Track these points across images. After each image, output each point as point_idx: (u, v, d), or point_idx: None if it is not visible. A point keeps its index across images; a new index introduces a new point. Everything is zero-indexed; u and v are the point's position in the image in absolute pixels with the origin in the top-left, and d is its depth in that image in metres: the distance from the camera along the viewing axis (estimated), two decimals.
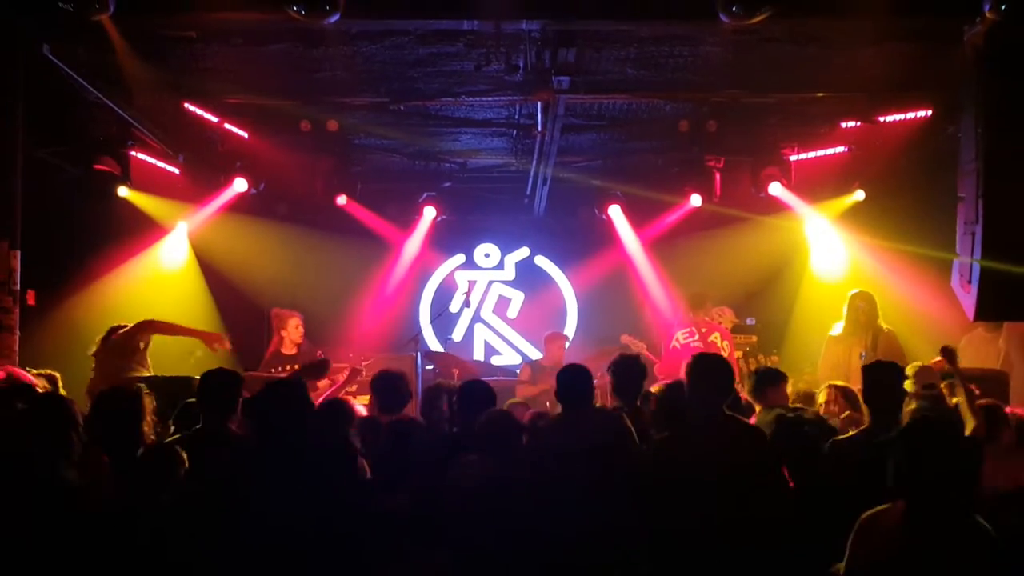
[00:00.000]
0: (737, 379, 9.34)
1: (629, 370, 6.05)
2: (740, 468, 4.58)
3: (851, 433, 5.26)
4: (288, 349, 9.77)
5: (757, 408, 6.26)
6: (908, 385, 6.11)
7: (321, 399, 7.11)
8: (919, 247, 9.28)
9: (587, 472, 4.89)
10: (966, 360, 8.21)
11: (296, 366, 9.10)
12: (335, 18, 6.60)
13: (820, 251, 11.52)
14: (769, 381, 6.44)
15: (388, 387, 6.23)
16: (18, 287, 7.42)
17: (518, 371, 10.71)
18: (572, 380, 5.51)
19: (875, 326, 8.69)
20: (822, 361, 8.83)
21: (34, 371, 6.61)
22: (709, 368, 4.95)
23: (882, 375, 5.31)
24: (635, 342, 10.00)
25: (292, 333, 9.54)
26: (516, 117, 10.35)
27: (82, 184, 9.79)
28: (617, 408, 5.92)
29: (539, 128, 10.06)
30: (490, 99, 9.70)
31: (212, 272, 11.59)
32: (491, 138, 11.16)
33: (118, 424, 4.93)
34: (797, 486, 4.83)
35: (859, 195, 10.83)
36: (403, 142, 11.15)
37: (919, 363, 6.83)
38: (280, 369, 9.37)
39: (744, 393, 6.50)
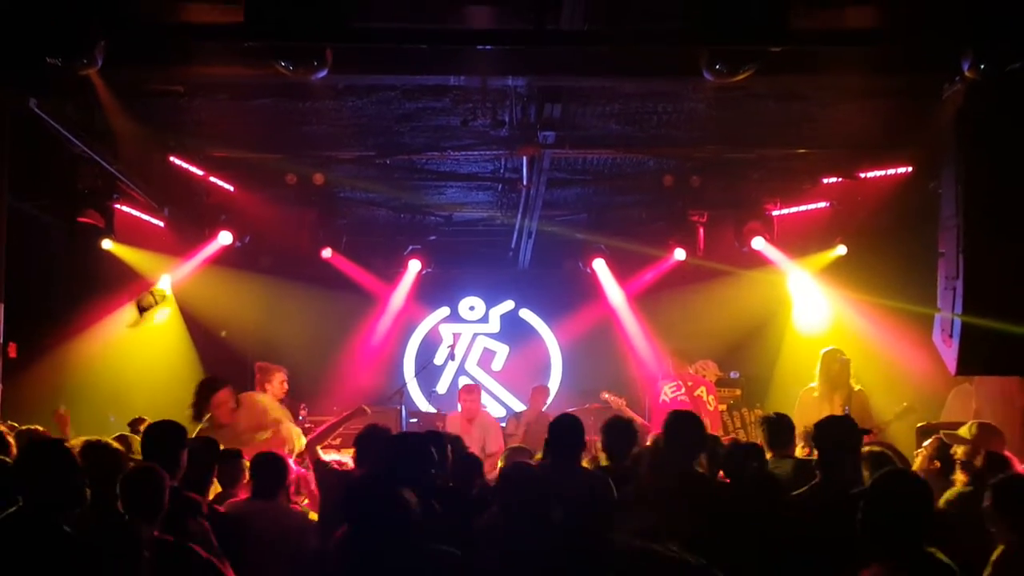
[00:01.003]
0: (721, 432, 9.36)
1: (621, 432, 6.01)
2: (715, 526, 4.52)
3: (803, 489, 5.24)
4: None
5: (769, 455, 6.17)
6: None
7: (319, 432, 7.06)
8: (901, 302, 9.32)
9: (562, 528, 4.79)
10: (952, 414, 8.25)
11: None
12: (323, 73, 6.63)
13: (803, 305, 11.56)
14: (787, 429, 6.42)
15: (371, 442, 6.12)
16: (1, 340, 7.35)
17: (503, 424, 10.66)
18: (566, 432, 5.48)
19: (846, 386, 8.74)
20: (796, 416, 8.82)
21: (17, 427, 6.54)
22: (681, 426, 4.96)
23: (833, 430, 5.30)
24: (615, 399, 9.99)
25: (276, 388, 9.44)
26: (502, 171, 10.41)
27: (66, 236, 9.75)
28: (605, 468, 5.86)
29: (524, 182, 10.12)
30: (476, 153, 9.77)
31: (196, 325, 11.53)
32: (476, 192, 11.22)
33: None
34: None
35: (841, 250, 10.91)
36: (389, 195, 11.20)
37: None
38: None
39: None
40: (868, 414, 8.52)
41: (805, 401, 8.87)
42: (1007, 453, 5.90)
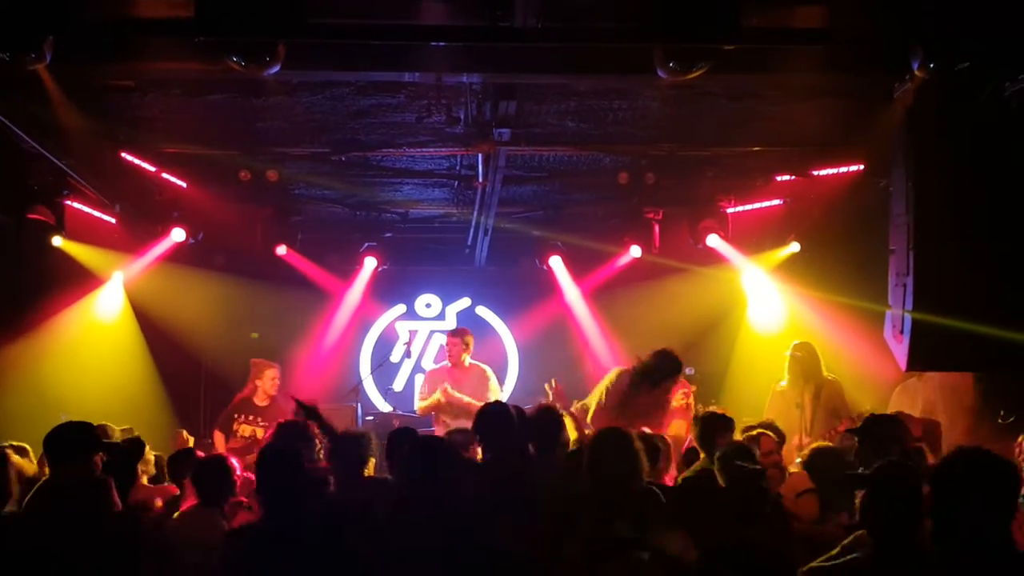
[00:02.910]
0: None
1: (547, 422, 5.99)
2: None
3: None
4: (260, 400, 9.57)
5: (701, 455, 6.24)
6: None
7: None
8: (853, 298, 9.44)
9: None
10: (900, 409, 8.37)
11: (260, 420, 8.97)
12: (275, 69, 6.56)
13: (757, 302, 11.68)
14: (720, 428, 6.40)
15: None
16: None
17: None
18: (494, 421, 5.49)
19: (818, 376, 8.81)
20: (766, 413, 8.91)
21: None
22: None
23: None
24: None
25: (267, 384, 9.40)
26: (457, 168, 10.39)
27: (16, 233, 9.61)
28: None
29: (480, 179, 10.11)
30: (431, 150, 9.73)
31: (148, 323, 11.40)
32: (432, 189, 11.18)
33: None
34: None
35: (794, 247, 11.03)
36: (344, 192, 11.13)
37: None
38: (247, 418, 9.19)
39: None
40: (843, 403, 8.60)
41: (774, 398, 8.93)
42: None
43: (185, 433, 8.48)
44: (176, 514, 5.57)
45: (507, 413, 5.85)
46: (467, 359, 9.81)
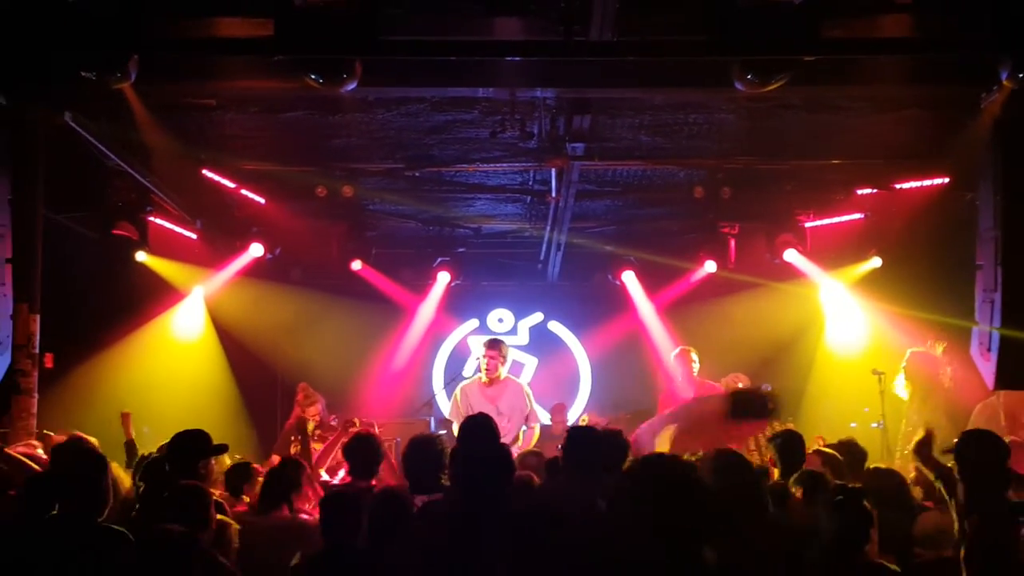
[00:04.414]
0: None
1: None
2: None
3: None
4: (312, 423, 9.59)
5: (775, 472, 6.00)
6: None
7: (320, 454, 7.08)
8: (937, 315, 9.20)
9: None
10: (979, 427, 7.99)
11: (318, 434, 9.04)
12: (352, 86, 6.64)
13: (836, 318, 11.44)
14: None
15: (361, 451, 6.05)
16: (37, 350, 7.44)
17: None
18: (582, 445, 5.29)
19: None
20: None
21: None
22: None
23: None
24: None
25: (311, 417, 9.44)
26: (530, 183, 10.39)
27: (101, 249, 9.85)
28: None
29: (553, 194, 10.09)
30: (504, 165, 9.76)
31: (228, 336, 11.59)
32: (505, 204, 11.20)
33: None
34: None
35: (876, 262, 10.79)
36: (418, 208, 11.21)
37: None
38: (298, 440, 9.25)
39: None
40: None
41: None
42: None
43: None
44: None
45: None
46: (503, 373, 9.05)
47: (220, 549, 4.69)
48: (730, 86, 6.61)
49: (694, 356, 9.51)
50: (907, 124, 8.42)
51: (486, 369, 8.93)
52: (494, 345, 9.10)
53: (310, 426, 9.31)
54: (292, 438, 9.27)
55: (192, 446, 5.31)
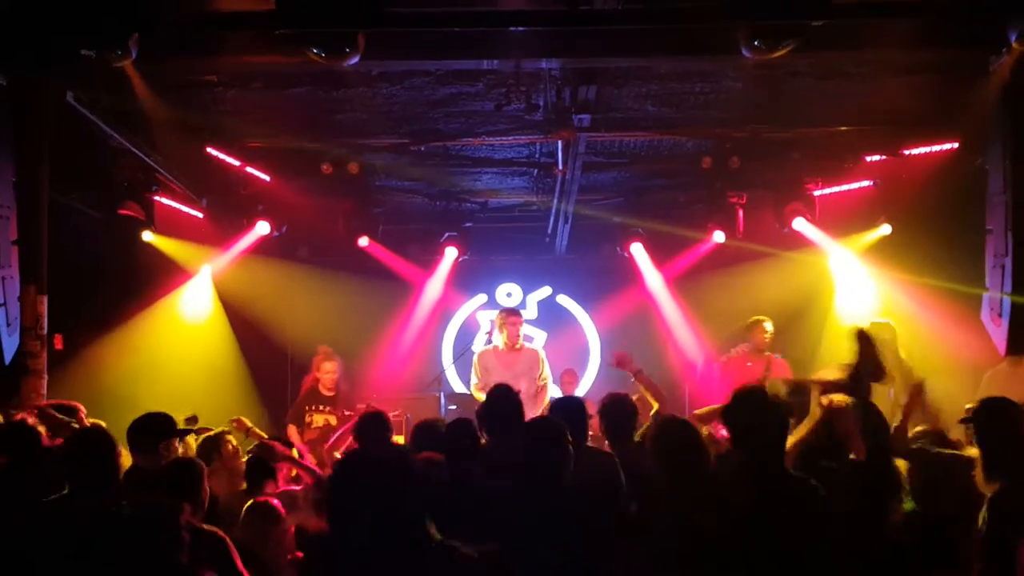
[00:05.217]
0: None
1: (619, 410, 5.82)
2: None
3: None
4: (325, 390, 9.59)
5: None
6: None
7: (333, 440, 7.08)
8: (947, 281, 9.14)
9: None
10: (991, 395, 7.91)
11: (330, 408, 9.05)
12: (355, 60, 6.59)
13: (846, 286, 11.39)
14: None
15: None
16: (45, 331, 7.42)
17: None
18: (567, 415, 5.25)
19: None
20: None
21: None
22: None
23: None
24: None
25: (324, 378, 9.45)
26: (537, 156, 10.34)
27: (108, 229, 9.84)
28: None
29: (560, 166, 10.05)
30: (511, 138, 9.71)
31: (236, 315, 11.59)
32: (512, 177, 11.16)
33: None
34: None
35: (885, 229, 10.72)
36: (424, 183, 11.18)
37: None
38: (318, 408, 9.26)
39: None
40: None
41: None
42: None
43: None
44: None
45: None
46: (522, 340, 9.61)
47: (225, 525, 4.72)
48: (737, 53, 6.54)
49: (767, 327, 9.51)
50: (916, 89, 8.34)
51: (512, 337, 9.34)
52: (517, 313, 9.66)
53: (322, 390, 9.37)
54: (306, 407, 9.31)
55: (153, 428, 5.29)
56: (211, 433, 6.29)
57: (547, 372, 9.38)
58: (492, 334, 11.70)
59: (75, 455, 4.33)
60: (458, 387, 12.08)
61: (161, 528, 4.10)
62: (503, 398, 5.47)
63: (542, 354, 9.56)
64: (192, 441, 6.42)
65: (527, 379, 9.03)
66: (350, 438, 7.01)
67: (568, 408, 5.51)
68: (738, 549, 3.94)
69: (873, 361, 5.29)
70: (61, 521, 4.10)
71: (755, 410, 4.19)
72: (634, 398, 6.10)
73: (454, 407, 10.74)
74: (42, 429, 5.73)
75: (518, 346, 9.44)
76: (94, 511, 4.12)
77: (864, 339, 5.32)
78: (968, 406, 5.74)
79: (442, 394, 10.72)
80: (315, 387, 9.44)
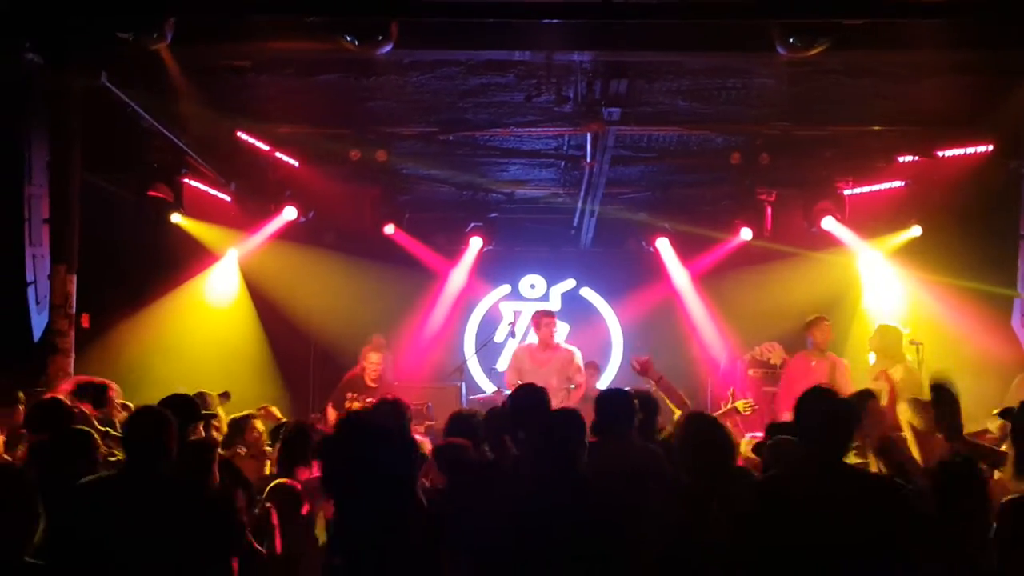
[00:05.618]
0: None
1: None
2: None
3: None
4: (369, 381, 9.61)
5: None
6: None
7: None
8: (978, 284, 9.06)
9: (625, 499, 4.63)
10: (1016, 401, 7.86)
11: (369, 400, 9.06)
12: (387, 48, 6.60)
13: (874, 288, 11.30)
14: None
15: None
16: (74, 311, 7.51)
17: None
18: (612, 407, 5.30)
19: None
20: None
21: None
22: None
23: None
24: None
25: (369, 369, 9.50)
26: (565, 148, 10.32)
27: (137, 211, 9.89)
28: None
29: (588, 159, 10.02)
30: (539, 130, 9.69)
31: (261, 299, 11.64)
32: (539, 169, 11.14)
33: None
34: None
35: (916, 231, 10.61)
36: (451, 172, 11.16)
37: None
38: (358, 396, 9.30)
39: None
40: None
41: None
42: None
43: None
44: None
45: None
46: (557, 339, 9.65)
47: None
48: (772, 50, 6.51)
49: (828, 324, 9.43)
50: (951, 90, 8.25)
51: (547, 336, 9.43)
52: (551, 314, 9.69)
53: (367, 380, 9.41)
54: (348, 394, 9.36)
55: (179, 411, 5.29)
56: (239, 416, 6.33)
57: (580, 377, 9.34)
58: (529, 332, 11.76)
59: (135, 431, 4.37)
60: (480, 377, 12.10)
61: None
62: (529, 395, 5.47)
63: (578, 356, 9.54)
64: (223, 414, 6.47)
65: (558, 376, 9.07)
66: None
67: (613, 400, 5.48)
68: (797, 545, 3.91)
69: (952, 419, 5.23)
70: (119, 494, 4.14)
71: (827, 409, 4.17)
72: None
73: (475, 397, 10.76)
74: (87, 406, 5.80)
75: (552, 344, 9.51)
76: (153, 483, 4.15)
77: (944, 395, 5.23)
78: (994, 412, 5.71)
79: (463, 384, 10.72)
80: (360, 376, 9.51)
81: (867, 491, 4.01)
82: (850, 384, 8.69)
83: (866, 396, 5.47)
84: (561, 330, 12.39)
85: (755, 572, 3.93)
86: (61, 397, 5.71)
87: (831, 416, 4.04)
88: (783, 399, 8.88)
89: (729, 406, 7.68)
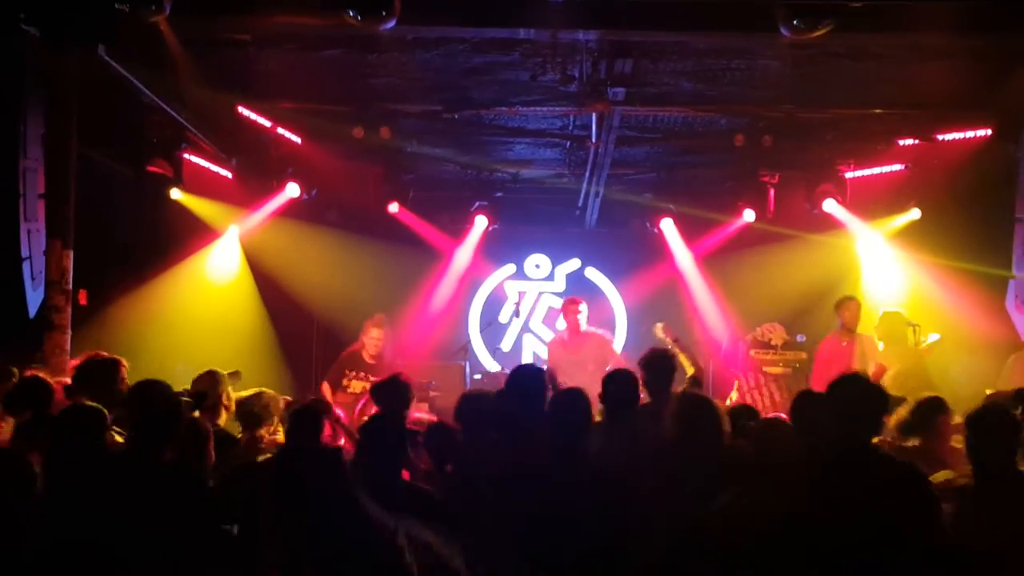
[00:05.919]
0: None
1: (660, 365, 5.90)
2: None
3: None
4: (369, 356, 9.59)
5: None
6: None
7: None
8: (974, 266, 9.07)
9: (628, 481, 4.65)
10: (1011, 382, 7.83)
11: (369, 375, 9.06)
12: (391, 24, 6.58)
13: (873, 270, 11.30)
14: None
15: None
16: (70, 287, 7.45)
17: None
18: (617, 388, 5.35)
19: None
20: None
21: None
22: None
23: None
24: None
25: (369, 344, 9.48)
26: (570, 128, 10.29)
27: (135, 186, 9.86)
28: (649, 405, 5.65)
29: (593, 139, 9.99)
30: (544, 109, 9.66)
31: (263, 277, 11.62)
32: (544, 148, 11.10)
33: None
34: None
35: (915, 213, 10.64)
36: (456, 151, 11.12)
37: None
38: (356, 374, 9.30)
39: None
40: None
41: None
42: None
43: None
44: None
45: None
46: (584, 325, 9.54)
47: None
48: (776, 31, 6.48)
49: (857, 304, 9.45)
50: (951, 74, 8.24)
51: (573, 324, 9.45)
52: (576, 300, 9.68)
53: (366, 356, 9.41)
54: (346, 370, 9.36)
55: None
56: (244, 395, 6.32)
57: (617, 362, 9.09)
58: (519, 305, 11.76)
59: (137, 410, 4.34)
60: (484, 357, 12.10)
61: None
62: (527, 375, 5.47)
63: (612, 340, 9.63)
64: (231, 393, 6.48)
65: (594, 363, 8.92)
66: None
67: (620, 380, 5.51)
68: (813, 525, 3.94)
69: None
70: (117, 473, 4.13)
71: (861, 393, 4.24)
72: None
73: (479, 376, 10.78)
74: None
75: (582, 331, 9.47)
76: (151, 465, 4.14)
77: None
78: (988, 392, 5.71)
79: (467, 363, 10.72)
80: (360, 351, 9.48)
81: (896, 476, 4.04)
82: (879, 361, 8.81)
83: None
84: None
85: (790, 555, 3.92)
86: (41, 375, 5.65)
87: (862, 401, 4.14)
88: (816, 381, 8.91)
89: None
